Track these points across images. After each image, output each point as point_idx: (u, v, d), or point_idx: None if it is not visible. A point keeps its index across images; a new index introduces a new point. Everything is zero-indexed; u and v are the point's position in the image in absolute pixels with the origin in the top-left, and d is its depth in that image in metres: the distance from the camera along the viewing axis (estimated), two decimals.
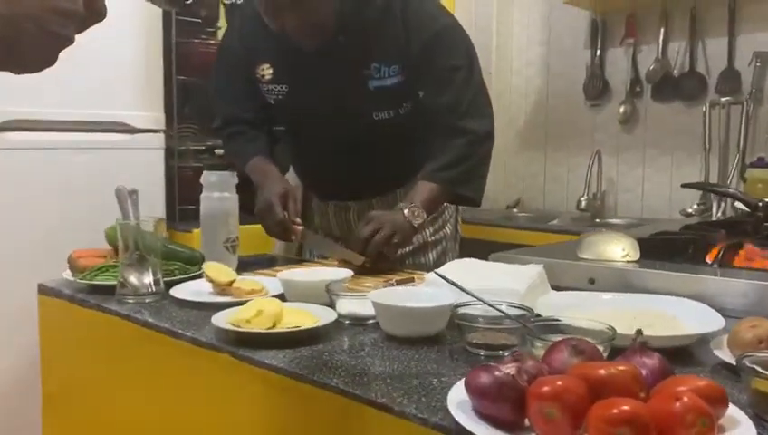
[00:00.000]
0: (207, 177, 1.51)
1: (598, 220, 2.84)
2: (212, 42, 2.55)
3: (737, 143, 2.51)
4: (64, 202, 2.11)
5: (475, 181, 1.60)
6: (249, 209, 1.65)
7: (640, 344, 0.75)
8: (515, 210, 3.17)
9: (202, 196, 1.52)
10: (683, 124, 2.77)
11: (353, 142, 1.66)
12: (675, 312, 1.00)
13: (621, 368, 0.69)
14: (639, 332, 0.76)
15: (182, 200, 2.54)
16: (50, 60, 0.66)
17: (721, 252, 1.25)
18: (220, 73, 1.78)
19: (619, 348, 0.80)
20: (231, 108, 1.76)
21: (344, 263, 1.45)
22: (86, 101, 2.15)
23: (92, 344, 1.28)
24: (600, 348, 0.79)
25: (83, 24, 0.67)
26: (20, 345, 2.00)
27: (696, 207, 2.41)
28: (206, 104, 2.68)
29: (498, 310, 0.92)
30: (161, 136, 2.33)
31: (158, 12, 2.37)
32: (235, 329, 0.99)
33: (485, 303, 0.94)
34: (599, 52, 2.96)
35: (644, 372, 0.71)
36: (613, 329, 0.86)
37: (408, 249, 1.70)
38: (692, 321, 0.97)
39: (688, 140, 2.73)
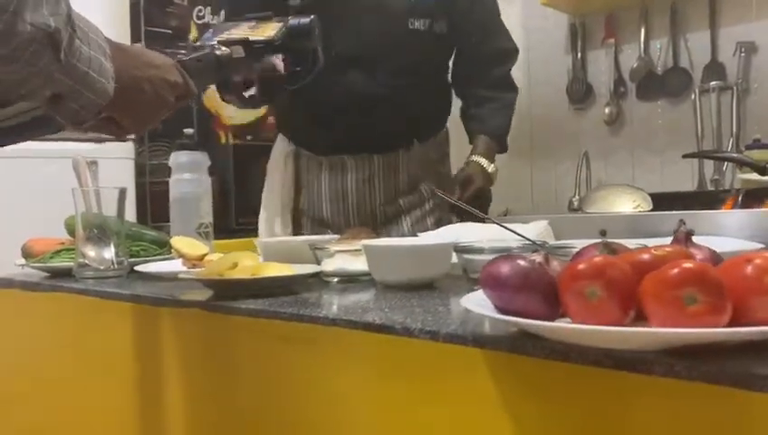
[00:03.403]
0: (177, 157, 1.38)
1: None
2: (182, 53, 2.46)
3: (730, 131, 2.44)
4: (32, 212, 1.95)
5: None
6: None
7: (686, 235, 0.63)
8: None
9: (171, 179, 1.39)
10: (670, 121, 2.70)
11: (380, 56, 1.51)
12: (713, 246, 0.89)
13: (668, 249, 0.57)
14: (682, 221, 0.64)
15: (155, 218, 2.41)
16: (155, 119, 0.82)
17: (740, 196, 1.14)
18: None
19: None
20: None
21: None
22: None
23: (49, 332, 1.13)
24: None
25: (181, 96, 0.83)
26: None
27: None
28: (179, 120, 2.59)
29: (517, 233, 0.80)
30: (130, 146, 2.21)
31: (125, 22, 2.28)
32: (206, 278, 0.86)
33: (502, 226, 0.82)
34: (579, 55, 2.91)
35: None
36: (646, 245, 0.74)
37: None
38: (732, 248, 0.85)
39: (677, 136, 2.66)
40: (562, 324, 0.50)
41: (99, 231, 1.11)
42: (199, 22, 2.79)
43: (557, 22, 2.95)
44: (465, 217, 1.44)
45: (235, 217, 2.62)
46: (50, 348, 1.12)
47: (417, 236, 1.51)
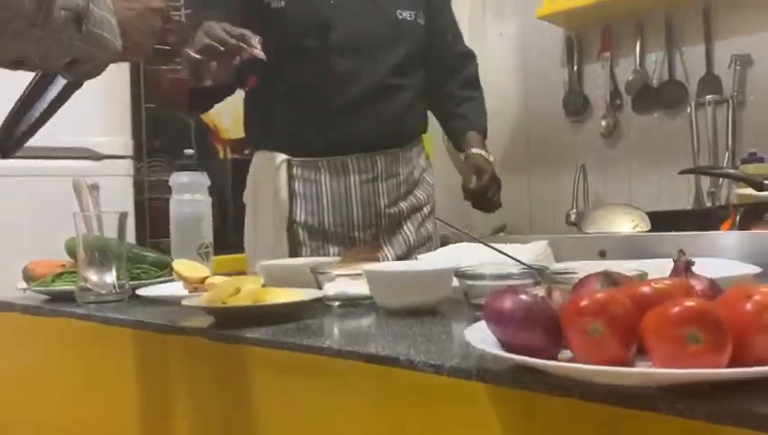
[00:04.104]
0: (177, 178, 1.39)
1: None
2: (180, 68, 2.47)
3: (725, 144, 2.46)
4: (28, 231, 1.96)
5: None
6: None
7: (685, 265, 0.63)
8: (502, 235, 3.06)
9: (172, 199, 1.39)
10: (666, 134, 2.71)
11: (378, 45, 1.52)
12: (711, 270, 0.89)
13: (668, 282, 0.58)
14: (682, 252, 0.65)
15: (154, 234, 2.41)
16: (150, 49, 0.89)
17: (738, 215, 1.15)
18: None
19: None
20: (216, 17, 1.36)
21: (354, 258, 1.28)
22: (48, 127, 2.03)
23: (51, 357, 1.13)
24: None
25: (165, 19, 0.89)
26: None
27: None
28: (178, 136, 2.60)
29: (514, 259, 0.81)
30: (129, 163, 2.22)
31: None
32: (208, 306, 0.86)
33: (500, 252, 0.83)
34: (576, 68, 2.92)
35: None
36: (645, 272, 0.75)
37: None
38: (730, 272, 0.86)
39: (673, 148, 2.66)
40: (566, 364, 0.51)
41: (100, 255, 1.11)
42: None
43: (553, 35, 2.96)
44: (479, 205, 1.55)
45: (233, 233, 2.62)
46: (51, 373, 1.13)
47: (419, 250, 1.55)
